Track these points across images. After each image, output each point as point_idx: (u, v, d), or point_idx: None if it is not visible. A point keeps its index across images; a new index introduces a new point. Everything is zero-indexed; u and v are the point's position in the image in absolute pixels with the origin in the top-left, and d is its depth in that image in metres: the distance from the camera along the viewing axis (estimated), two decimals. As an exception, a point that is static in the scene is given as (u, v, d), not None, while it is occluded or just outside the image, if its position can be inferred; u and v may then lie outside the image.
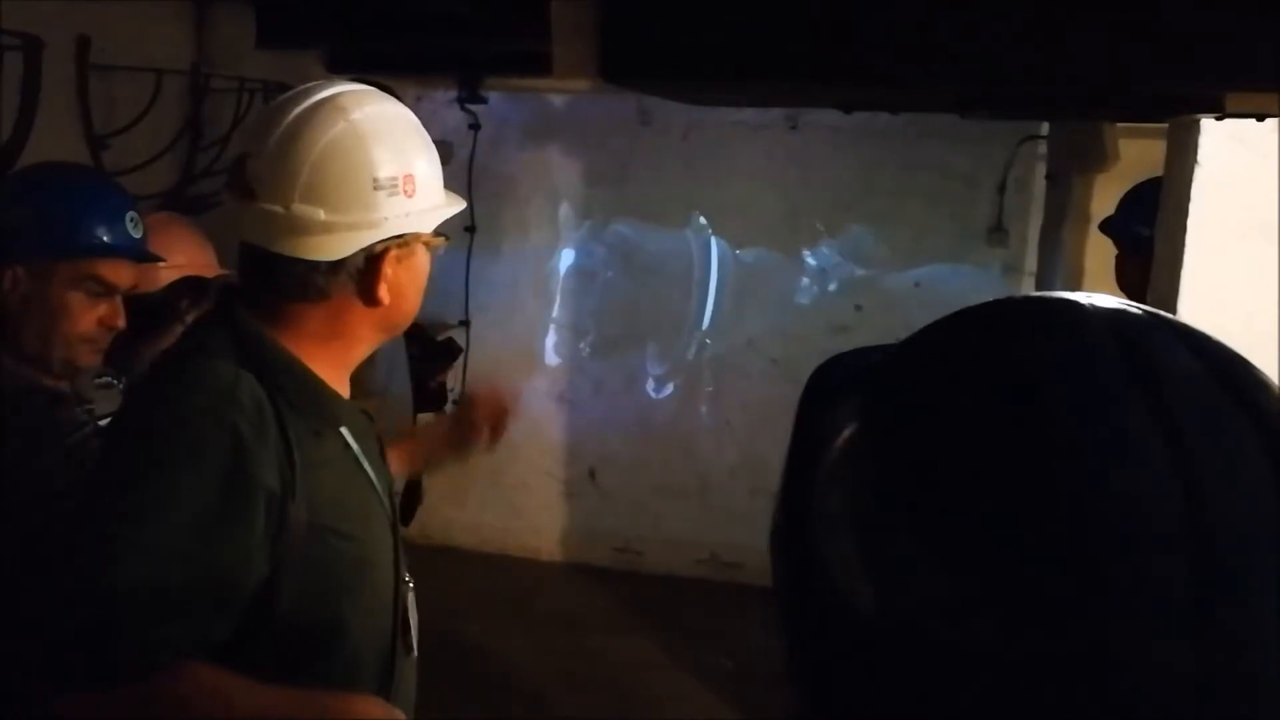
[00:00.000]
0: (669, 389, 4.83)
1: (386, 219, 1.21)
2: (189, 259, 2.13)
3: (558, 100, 4.68)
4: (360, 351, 1.31)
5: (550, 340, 4.92)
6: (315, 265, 1.20)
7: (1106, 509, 0.39)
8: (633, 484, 4.83)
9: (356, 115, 1.20)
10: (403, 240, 1.23)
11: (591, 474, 4.90)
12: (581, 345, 4.90)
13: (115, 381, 1.79)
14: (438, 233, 1.29)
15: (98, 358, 1.67)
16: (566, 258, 4.87)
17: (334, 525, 1.21)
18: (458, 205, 1.33)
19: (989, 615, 0.40)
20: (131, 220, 1.69)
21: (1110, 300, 0.47)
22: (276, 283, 1.22)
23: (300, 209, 1.18)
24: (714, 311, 4.74)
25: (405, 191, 1.22)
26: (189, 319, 2.12)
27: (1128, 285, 2.42)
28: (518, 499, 4.92)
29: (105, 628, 1.05)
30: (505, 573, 4.73)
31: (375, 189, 1.19)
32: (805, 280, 4.66)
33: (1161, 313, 0.45)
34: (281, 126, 1.18)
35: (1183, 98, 1.50)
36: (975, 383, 0.44)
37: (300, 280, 1.21)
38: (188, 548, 1.08)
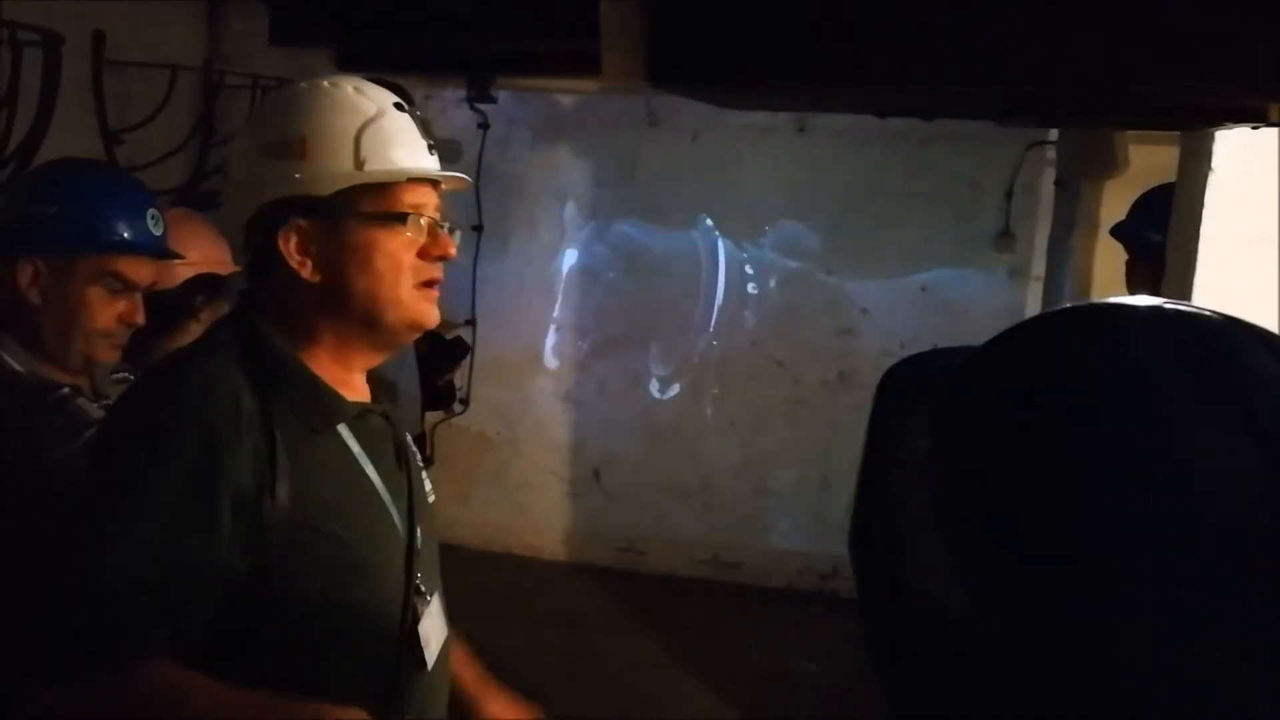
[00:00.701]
0: (674, 389, 4.84)
1: (269, 183, 1.19)
2: (204, 256, 2.13)
3: (566, 100, 4.69)
4: (350, 349, 1.25)
5: (555, 340, 4.93)
6: (258, 248, 1.22)
7: (1119, 515, 0.40)
8: (636, 484, 4.83)
9: (287, 92, 1.26)
10: (314, 210, 1.18)
11: (595, 474, 4.91)
12: (586, 345, 4.91)
13: (132, 378, 1.79)
14: (402, 211, 1.21)
15: (116, 354, 1.67)
16: (572, 258, 4.88)
17: (326, 527, 1.17)
18: (372, 176, 1.20)
19: (993, 617, 0.41)
20: (153, 218, 1.69)
21: (1183, 305, 0.47)
22: (246, 268, 1.27)
23: (229, 178, 1.27)
24: (719, 313, 4.75)
25: (293, 155, 1.18)
26: (204, 316, 2.13)
27: (1138, 291, 2.42)
28: (521, 498, 4.92)
29: (71, 622, 1.05)
30: (508, 572, 4.73)
31: (263, 155, 1.20)
32: (810, 283, 4.66)
33: (1237, 317, 0.46)
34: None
35: (1235, 108, 1.50)
36: (1027, 392, 0.45)
37: (251, 263, 1.25)
38: (151, 541, 1.07)
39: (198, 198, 2.72)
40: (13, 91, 1.96)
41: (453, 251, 1.25)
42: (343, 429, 1.22)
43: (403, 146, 1.23)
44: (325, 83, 1.24)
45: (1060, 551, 0.40)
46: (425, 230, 1.23)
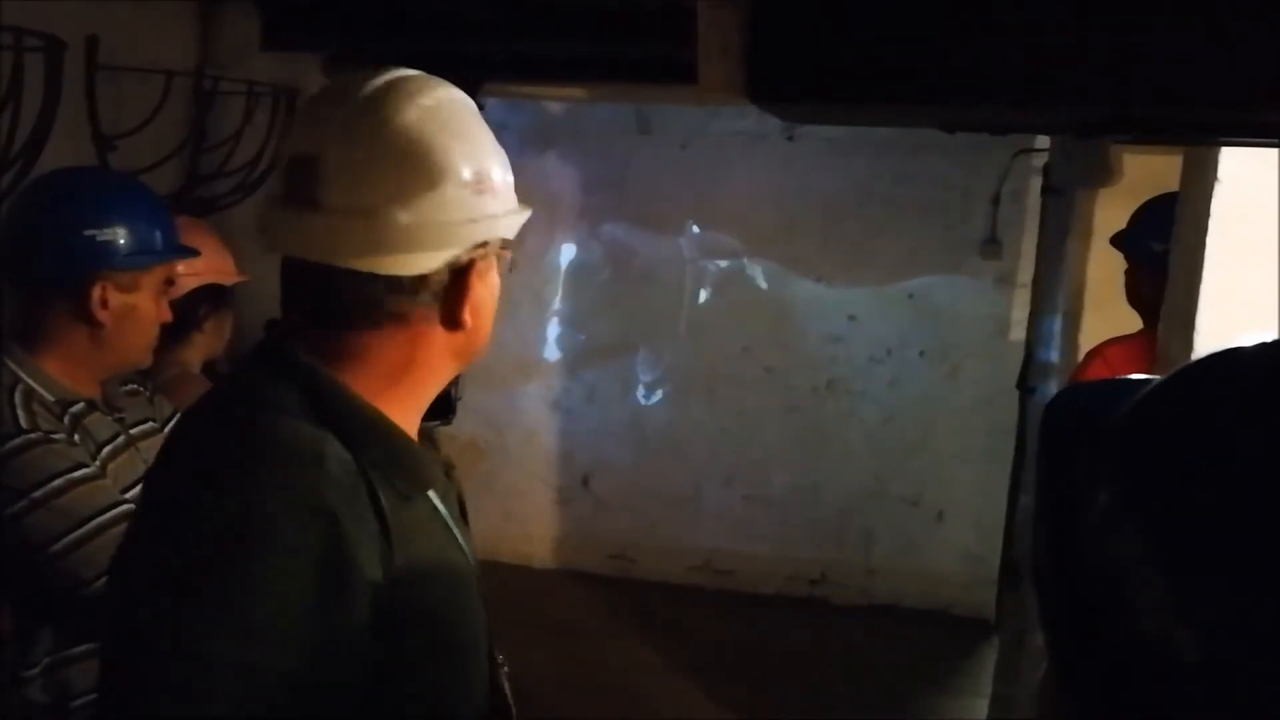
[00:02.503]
0: (663, 396, 4.84)
1: (475, 222, 1.02)
2: (209, 265, 2.11)
3: (555, 107, 4.68)
4: (432, 390, 1.09)
5: (544, 347, 4.91)
6: (397, 284, 1.00)
7: None
8: (626, 491, 4.83)
9: (428, 102, 1.02)
10: (485, 251, 1.05)
11: (585, 481, 4.90)
12: (575, 352, 4.90)
13: (141, 388, 1.77)
14: (505, 244, 1.09)
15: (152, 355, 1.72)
16: (562, 265, 4.87)
17: (433, 607, 1.02)
18: (528, 211, 1.11)
19: (1228, 656, 0.41)
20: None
21: None
22: (341, 309, 1.01)
23: (381, 214, 0.98)
24: (708, 320, 4.76)
25: (486, 191, 1.04)
26: (207, 326, 2.10)
27: (1139, 300, 2.44)
28: (511, 505, 4.90)
29: None
30: (498, 580, 4.69)
31: (459, 187, 1.01)
32: (799, 290, 4.68)
33: None
34: (348, 120, 0.99)
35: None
36: (1250, 425, 0.45)
37: (374, 304, 1.00)
38: (292, 666, 0.88)
39: (190, 204, 2.68)
40: (16, 95, 1.94)
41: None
42: (431, 491, 1.07)
43: None
44: (463, 98, 1.06)
45: None
46: None
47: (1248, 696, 0.41)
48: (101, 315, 1.57)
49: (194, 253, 1.81)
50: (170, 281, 1.70)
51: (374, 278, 0.99)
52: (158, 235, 1.65)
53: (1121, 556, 0.46)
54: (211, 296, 2.13)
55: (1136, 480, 0.47)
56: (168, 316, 1.68)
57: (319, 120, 1.02)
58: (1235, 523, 0.43)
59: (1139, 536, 0.45)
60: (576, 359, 4.90)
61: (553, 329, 4.91)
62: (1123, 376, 0.53)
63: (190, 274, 2.04)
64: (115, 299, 1.58)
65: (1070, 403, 0.55)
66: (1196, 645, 0.43)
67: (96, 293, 1.56)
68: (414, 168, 0.99)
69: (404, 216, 0.99)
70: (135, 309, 1.61)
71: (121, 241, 1.59)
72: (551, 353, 4.92)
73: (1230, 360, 0.49)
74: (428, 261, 1.01)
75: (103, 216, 1.58)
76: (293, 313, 1.04)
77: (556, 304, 4.89)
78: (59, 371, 1.56)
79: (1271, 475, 0.43)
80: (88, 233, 1.56)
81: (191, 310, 2.07)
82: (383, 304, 1.01)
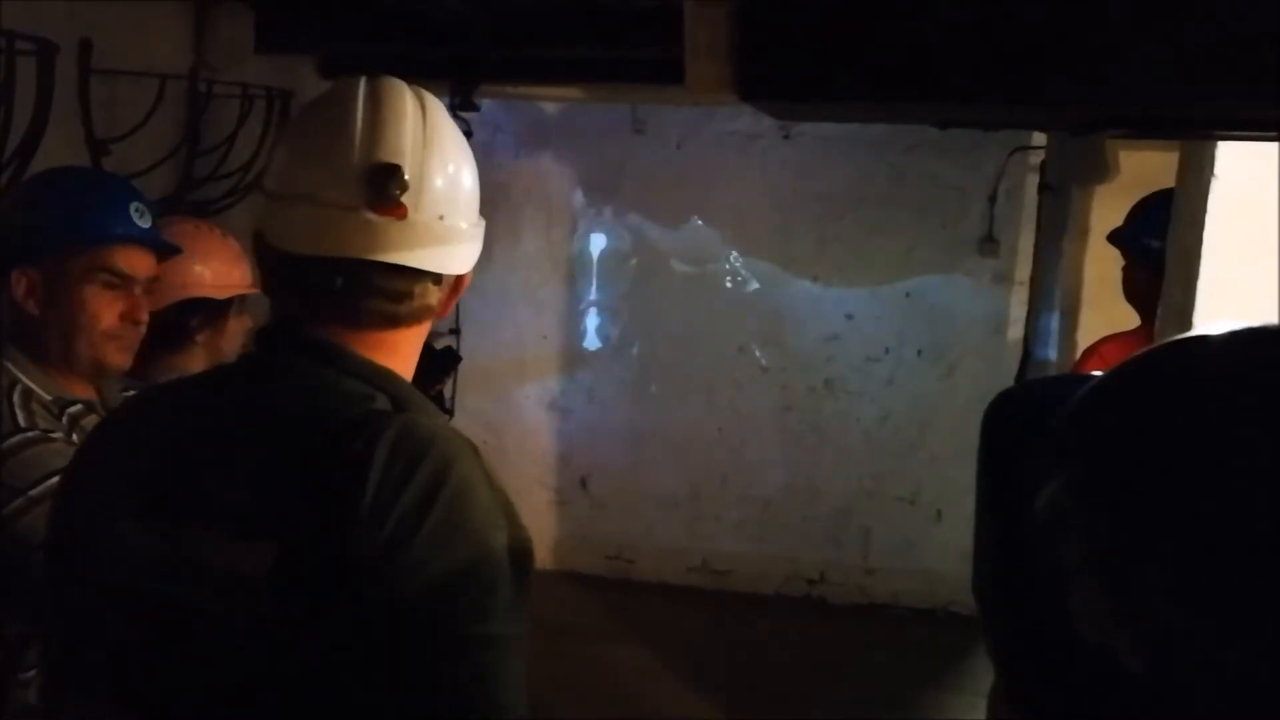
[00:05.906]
0: (660, 396, 4.82)
1: (483, 221, 1.17)
2: (215, 275, 2.06)
3: (551, 108, 4.67)
4: None
5: (541, 348, 4.90)
6: (438, 281, 1.10)
7: None
8: (624, 492, 4.82)
9: (446, 115, 1.13)
10: None
11: (583, 482, 4.89)
12: (573, 352, 4.89)
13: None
14: None
15: (126, 356, 1.64)
16: (558, 265, 4.85)
17: None
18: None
19: (1161, 661, 0.39)
20: (136, 210, 1.65)
21: None
22: (393, 307, 1.08)
23: (452, 219, 1.09)
24: (706, 319, 4.75)
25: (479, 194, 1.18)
26: (201, 338, 2.06)
27: (1136, 297, 2.44)
28: (508, 507, 4.89)
29: None
30: (496, 581, 4.70)
31: (477, 193, 1.15)
32: (796, 289, 4.67)
33: None
34: (411, 130, 1.06)
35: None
36: (1191, 424, 0.43)
37: (420, 300, 1.09)
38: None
39: (185, 207, 2.67)
40: (8, 99, 1.93)
41: None
42: None
43: None
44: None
45: (1238, 597, 0.39)
46: None
47: (1193, 709, 0.40)
48: (29, 305, 1.54)
49: (130, 238, 1.63)
50: (116, 274, 1.61)
51: (421, 276, 1.08)
52: (87, 220, 1.59)
53: (1063, 559, 0.44)
54: (204, 309, 2.07)
55: (1084, 470, 0.45)
56: (139, 315, 1.62)
57: (381, 131, 1.05)
58: (1189, 520, 0.41)
59: (1083, 534, 0.43)
60: (574, 359, 4.89)
61: (549, 330, 4.89)
62: (1067, 374, 0.52)
63: (187, 284, 2.00)
64: (41, 288, 1.55)
65: (1015, 403, 0.54)
66: (1138, 655, 0.41)
67: (16, 281, 1.53)
68: (466, 178, 1.12)
69: (463, 222, 1.11)
70: (65, 296, 1.56)
71: (42, 229, 1.56)
72: (548, 354, 4.90)
73: (1190, 348, 0.47)
74: (471, 259, 1.13)
75: (27, 207, 1.58)
76: (336, 311, 1.07)
77: (553, 305, 4.87)
78: (51, 372, 1.55)
79: (1231, 471, 0.41)
80: (14, 223, 1.57)
81: (182, 321, 2.01)
82: (426, 301, 1.10)
